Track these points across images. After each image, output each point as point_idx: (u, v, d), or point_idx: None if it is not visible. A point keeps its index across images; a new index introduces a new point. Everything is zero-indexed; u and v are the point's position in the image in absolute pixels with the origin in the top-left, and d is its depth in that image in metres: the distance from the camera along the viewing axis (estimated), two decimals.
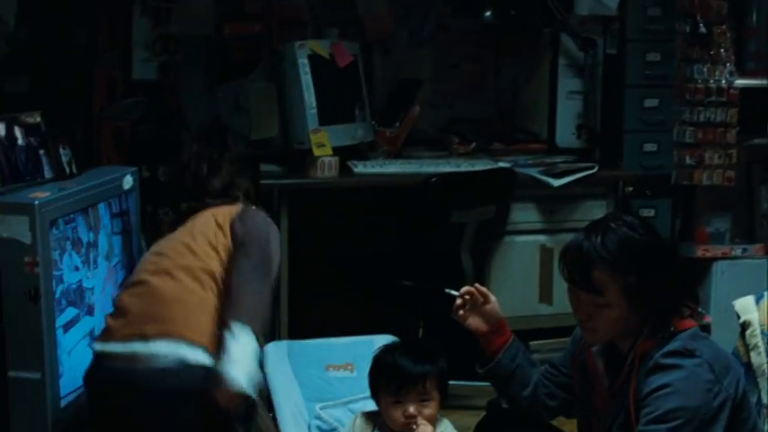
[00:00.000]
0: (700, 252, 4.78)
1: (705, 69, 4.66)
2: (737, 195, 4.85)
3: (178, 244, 2.72)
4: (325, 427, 2.94)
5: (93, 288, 2.90)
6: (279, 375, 3.06)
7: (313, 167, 4.17)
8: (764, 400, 2.77)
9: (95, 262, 2.95)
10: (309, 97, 4.17)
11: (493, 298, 2.82)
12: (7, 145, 2.86)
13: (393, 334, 3.19)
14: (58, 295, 2.76)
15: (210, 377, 2.48)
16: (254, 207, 2.95)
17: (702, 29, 4.62)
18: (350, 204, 4.47)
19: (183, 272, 2.63)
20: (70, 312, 2.82)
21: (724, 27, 4.67)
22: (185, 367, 2.52)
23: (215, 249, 2.71)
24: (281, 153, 4.26)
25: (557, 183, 4.35)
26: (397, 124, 4.59)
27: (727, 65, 4.67)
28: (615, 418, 2.53)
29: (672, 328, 2.47)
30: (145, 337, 2.52)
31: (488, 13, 4.79)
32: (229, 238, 2.75)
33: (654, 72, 4.68)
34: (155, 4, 4.24)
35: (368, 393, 2.81)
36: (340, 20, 4.59)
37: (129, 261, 3.15)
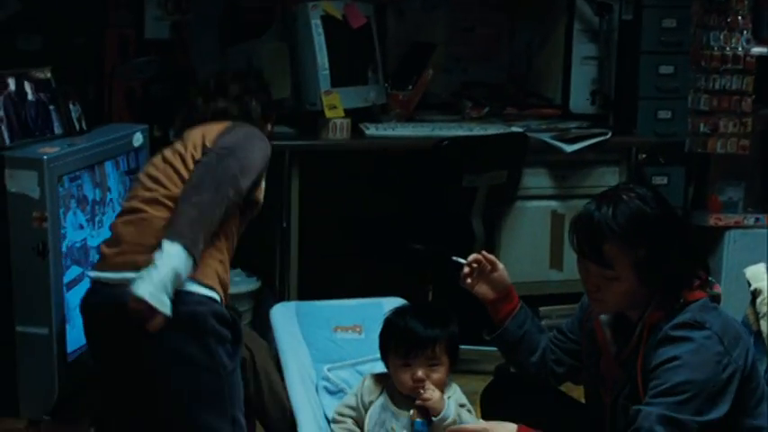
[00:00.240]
0: (712, 221, 4.77)
1: (721, 36, 4.62)
2: (751, 164, 4.82)
3: (170, 170, 2.66)
4: (332, 387, 2.94)
5: (98, 247, 2.88)
6: (287, 336, 3.05)
7: (325, 129, 4.16)
8: None
9: (101, 220, 2.94)
10: (322, 58, 4.15)
11: (501, 265, 2.81)
12: (17, 100, 2.85)
13: (402, 297, 3.18)
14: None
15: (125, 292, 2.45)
16: (248, 125, 2.83)
17: None
18: (361, 167, 4.47)
19: (173, 201, 2.59)
20: (74, 271, 2.81)
21: None
22: (176, 291, 2.47)
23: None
24: (292, 114, 4.25)
25: (569, 148, 4.33)
26: (410, 87, 4.58)
27: (744, 32, 4.64)
28: (622, 387, 2.52)
29: (681, 300, 2.46)
30: (137, 267, 2.48)
31: None
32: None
33: (669, 38, 4.65)
34: None
35: (376, 355, 2.81)
36: None
37: None
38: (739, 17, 4.62)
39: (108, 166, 2.99)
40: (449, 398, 2.66)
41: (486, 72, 5.01)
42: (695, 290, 2.49)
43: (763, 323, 2.90)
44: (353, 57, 4.35)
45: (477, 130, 4.34)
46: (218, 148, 2.62)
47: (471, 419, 2.63)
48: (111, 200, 2.99)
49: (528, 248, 4.44)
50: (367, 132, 4.27)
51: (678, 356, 2.37)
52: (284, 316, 3.15)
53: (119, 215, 2.68)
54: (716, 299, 2.51)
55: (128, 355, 2.56)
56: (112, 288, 2.52)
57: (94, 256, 2.87)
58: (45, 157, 2.64)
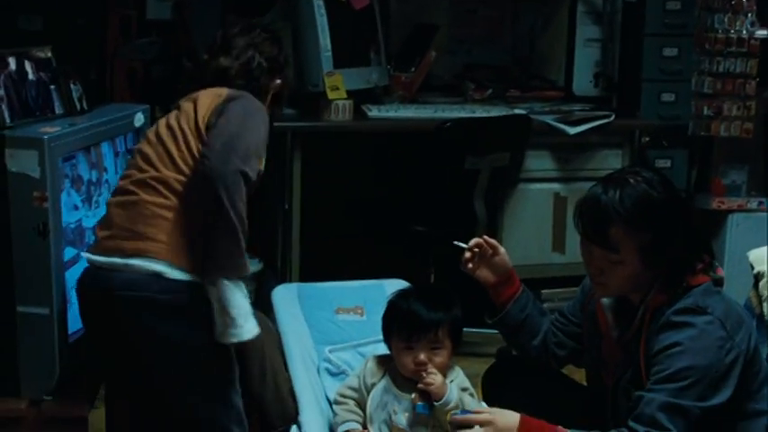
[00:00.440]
0: (715, 204, 4.75)
1: (726, 19, 4.59)
2: (755, 147, 4.80)
3: (161, 150, 2.62)
4: (333, 369, 2.93)
5: (94, 227, 2.86)
6: (288, 317, 3.05)
7: (327, 111, 4.15)
8: None
9: (97, 201, 2.91)
10: (324, 39, 4.14)
11: (502, 249, 2.80)
12: (17, 79, 2.83)
13: (404, 279, 3.17)
14: None
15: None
16: (242, 96, 2.71)
17: None
18: (363, 149, 4.46)
19: (164, 186, 2.57)
20: (69, 252, 2.79)
21: None
22: (160, 279, 2.49)
23: (192, 155, 2.59)
24: (294, 95, 4.22)
25: (572, 131, 4.32)
26: (413, 69, 4.57)
27: (749, 15, 4.61)
28: (624, 371, 2.52)
29: (684, 284, 2.45)
30: (123, 254, 2.50)
31: None
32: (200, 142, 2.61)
33: (673, 21, 4.64)
34: None
35: (377, 337, 2.80)
36: None
37: None
38: (744, 0, 4.60)
39: (104, 146, 2.96)
40: (451, 382, 2.65)
41: (490, 54, 5.00)
42: (698, 274, 2.48)
43: (765, 306, 2.90)
44: (356, 38, 4.34)
45: (480, 112, 4.33)
46: (217, 147, 2.52)
47: (474, 404, 2.62)
48: (106, 180, 2.97)
49: (530, 231, 4.44)
50: (369, 114, 4.26)
51: (680, 342, 2.36)
52: (286, 297, 3.14)
53: (113, 194, 2.67)
54: (719, 282, 2.50)
55: (117, 338, 2.56)
56: (103, 271, 2.53)
57: (90, 237, 2.86)
58: (46, 136, 2.62)
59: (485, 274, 2.80)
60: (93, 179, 2.90)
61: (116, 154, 3.03)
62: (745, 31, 4.60)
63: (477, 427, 2.41)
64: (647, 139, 4.62)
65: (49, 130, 2.68)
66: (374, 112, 4.28)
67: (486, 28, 5.01)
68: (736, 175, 4.81)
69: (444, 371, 2.65)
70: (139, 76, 4.24)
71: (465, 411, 2.49)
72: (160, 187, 2.57)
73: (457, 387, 2.62)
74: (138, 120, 3.12)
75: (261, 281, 4.21)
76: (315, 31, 4.13)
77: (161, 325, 2.50)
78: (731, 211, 4.76)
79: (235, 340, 2.55)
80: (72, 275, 2.74)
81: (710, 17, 4.60)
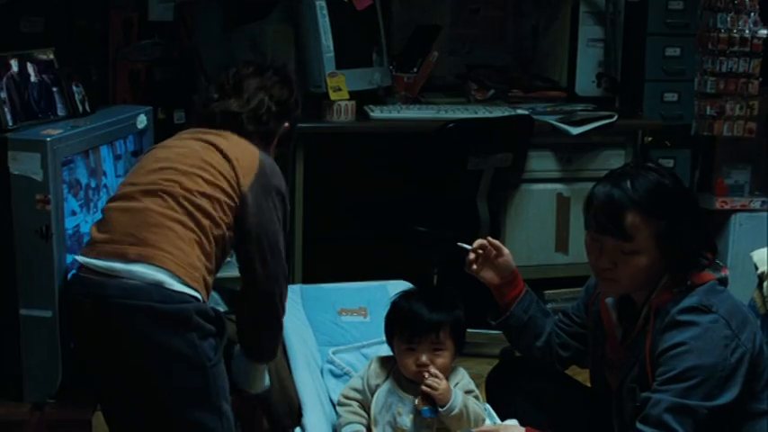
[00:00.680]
0: (718, 204, 4.75)
1: (729, 18, 4.58)
2: (758, 147, 4.80)
3: (186, 169, 2.60)
4: (337, 371, 2.93)
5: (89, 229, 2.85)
6: (292, 319, 3.04)
7: (329, 111, 4.15)
8: None
9: (96, 205, 2.89)
10: (327, 40, 4.14)
11: (506, 250, 2.80)
12: (20, 81, 2.82)
13: (407, 280, 3.17)
14: None
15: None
16: (269, 163, 2.74)
17: None
18: (366, 149, 4.46)
19: (173, 199, 2.55)
20: (67, 258, 2.76)
21: None
22: (160, 289, 2.47)
23: (220, 204, 2.61)
24: None
25: (575, 131, 4.32)
26: (415, 70, 4.57)
27: (752, 14, 4.60)
28: (629, 370, 2.51)
29: (689, 282, 2.44)
30: (126, 259, 2.47)
31: None
32: (234, 210, 2.63)
33: (676, 20, 4.64)
34: None
35: (381, 338, 2.80)
36: None
37: None
38: None
39: (103, 149, 2.93)
40: (456, 384, 2.65)
41: (492, 54, 5.00)
42: (703, 271, 2.48)
43: None
44: (358, 39, 4.33)
45: (483, 113, 4.33)
46: (266, 257, 2.70)
47: (478, 408, 2.61)
48: (105, 185, 2.94)
49: (533, 232, 4.43)
50: (372, 115, 4.26)
51: (685, 342, 2.36)
52: (289, 299, 3.10)
53: (115, 198, 2.63)
54: (723, 281, 2.50)
55: (111, 350, 2.52)
56: (97, 276, 2.49)
57: None
58: (48, 138, 2.61)
59: (489, 275, 2.80)
60: (92, 184, 2.87)
61: (116, 157, 3.00)
62: (747, 31, 4.59)
63: None
64: (650, 139, 4.62)
65: (51, 132, 2.67)
66: (376, 112, 4.27)
67: (488, 28, 5.00)
68: (739, 174, 4.81)
69: (447, 372, 2.64)
70: (142, 77, 4.22)
71: None
72: (172, 202, 2.55)
73: (461, 391, 2.61)
74: (141, 121, 3.11)
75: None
76: (317, 32, 4.12)
77: (158, 335, 2.47)
78: (734, 211, 4.76)
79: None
80: None
81: (713, 17, 4.59)
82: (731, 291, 2.52)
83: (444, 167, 4.07)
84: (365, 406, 2.70)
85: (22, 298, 2.64)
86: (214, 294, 2.97)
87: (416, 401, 2.59)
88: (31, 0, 3.94)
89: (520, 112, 4.39)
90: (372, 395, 2.68)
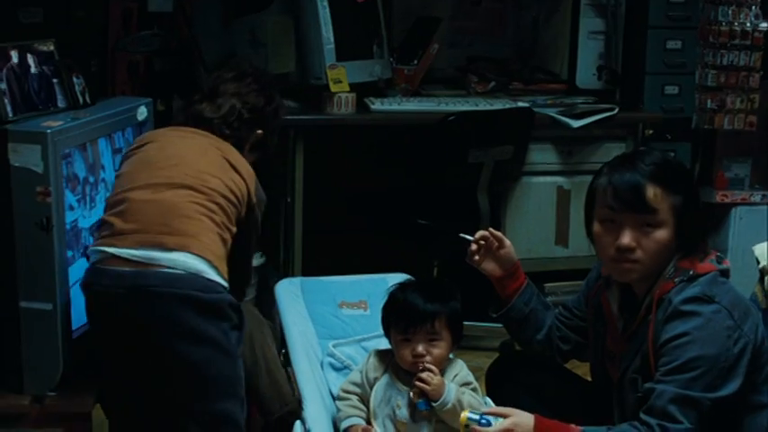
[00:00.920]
0: (718, 197, 4.75)
1: (730, 11, 4.58)
2: (758, 140, 4.79)
3: (201, 167, 2.67)
4: (337, 364, 2.92)
5: (90, 227, 2.83)
6: (292, 312, 3.04)
7: (330, 104, 4.14)
8: None
9: (93, 200, 2.87)
10: (327, 32, 4.12)
11: (507, 242, 2.80)
12: (20, 73, 2.81)
13: (407, 272, 3.16)
14: None
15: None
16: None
17: None
18: (366, 142, 4.45)
19: (200, 195, 2.60)
20: (67, 251, 2.75)
21: None
22: (199, 278, 2.50)
23: (234, 209, 2.69)
24: (297, 88, 4.23)
25: (576, 124, 4.31)
26: (415, 62, 4.56)
27: (753, 7, 4.59)
28: (631, 361, 2.51)
29: (691, 272, 2.44)
30: (165, 247, 2.49)
31: None
32: (244, 208, 2.72)
33: (677, 13, 4.62)
34: None
35: (381, 332, 2.79)
36: None
37: None
38: None
39: (101, 143, 2.91)
40: (455, 377, 2.64)
41: (492, 46, 4.98)
42: (705, 262, 2.48)
43: None
44: (359, 31, 4.32)
45: (483, 105, 4.32)
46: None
47: (475, 401, 2.61)
48: (103, 179, 2.92)
49: (533, 224, 4.43)
50: (372, 107, 4.25)
51: (687, 332, 2.36)
52: (289, 292, 3.13)
53: (135, 188, 2.62)
54: (725, 273, 2.50)
55: (146, 340, 2.53)
56: (132, 267, 2.49)
57: (87, 239, 2.81)
58: (49, 130, 2.60)
59: (490, 266, 2.81)
60: (90, 179, 2.85)
61: (114, 151, 2.98)
62: (748, 24, 4.59)
63: None
64: (651, 131, 4.61)
65: (52, 124, 2.66)
66: (377, 105, 4.26)
67: (488, 20, 4.99)
68: (740, 168, 4.81)
69: (443, 363, 2.64)
70: (141, 69, 4.21)
71: (482, 416, 2.46)
72: (195, 194, 2.59)
73: (456, 386, 2.61)
74: (141, 113, 3.11)
75: (263, 275, 4.21)
76: (317, 24, 4.11)
77: (200, 323, 2.50)
78: (734, 205, 4.76)
79: None
80: (72, 274, 2.73)
81: (714, 9, 4.58)
82: (732, 283, 2.52)
83: (445, 160, 4.07)
84: (364, 399, 2.70)
85: (22, 290, 2.63)
86: None
87: (411, 394, 2.59)
88: None
89: (520, 104, 4.37)
90: (371, 388, 2.69)
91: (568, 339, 2.83)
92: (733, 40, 4.58)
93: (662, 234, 2.45)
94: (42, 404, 2.67)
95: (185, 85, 3.87)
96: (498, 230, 2.84)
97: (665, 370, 2.36)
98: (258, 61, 4.00)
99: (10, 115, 2.70)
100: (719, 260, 2.51)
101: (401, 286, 2.74)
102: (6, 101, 2.71)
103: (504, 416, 2.45)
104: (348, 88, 4.15)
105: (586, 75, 4.68)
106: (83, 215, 2.81)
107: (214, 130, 2.82)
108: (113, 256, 2.52)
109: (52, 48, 2.95)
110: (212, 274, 2.53)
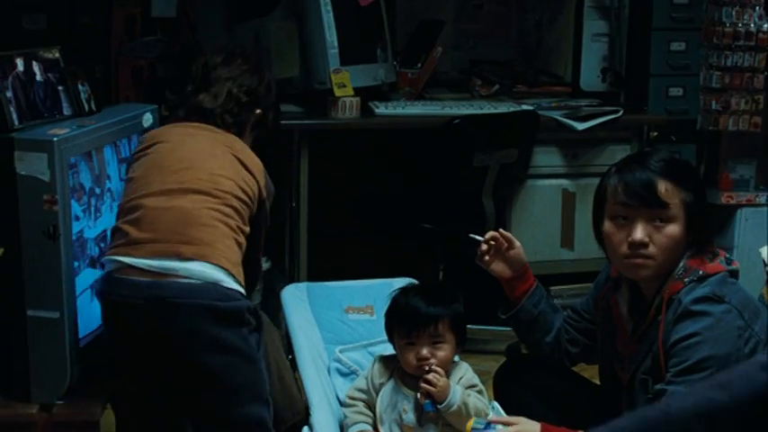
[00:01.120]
0: (723, 199, 4.74)
1: (734, 12, 4.57)
2: (763, 142, 4.78)
3: (214, 170, 2.65)
4: (344, 369, 2.92)
5: (96, 238, 2.81)
6: (298, 317, 3.04)
7: (334, 108, 4.13)
8: None
9: (99, 210, 2.84)
10: (331, 36, 4.12)
11: (517, 243, 2.81)
12: (25, 80, 2.80)
13: (413, 276, 3.16)
14: None
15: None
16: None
17: None
18: (371, 146, 4.45)
19: (215, 199, 2.59)
20: (74, 260, 2.72)
21: None
22: (218, 287, 2.50)
23: (247, 210, 2.68)
24: (301, 93, 4.22)
25: (581, 126, 4.31)
26: (419, 65, 4.55)
27: (757, 8, 4.58)
28: (641, 362, 2.51)
29: (701, 272, 2.45)
30: (182, 257, 2.48)
31: None
32: (255, 205, 2.71)
33: (681, 15, 4.63)
34: None
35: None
36: None
37: None
38: None
39: (107, 152, 2.89)
40: (460, 379, 2.65)
41: (496, 49, 4.99)
42: (715, 263, 2.48)
43: None
44: (363, 35, 4.31)
45: (488, 108, 4.32)
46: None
47: (480, 404, 2.61)
48: (109, 189, 2.89)
49: (539, 227, 4.42)
50: (376, 111, 4.24)
51: (697, 332, 2.36)
52: (295, 297, 3.13)
53: (149, 194, 2.61)
54: (734, 274, 2.51)
55: (167, 350, 2.53)
56: (150, 277, 2.49)
57: (93, 249, 2.80)
58: (55, 138, 2.59)
59: (500, 267, 2.81)
60: (96, 189, 2.83)
61: (120, 161, 2.95)
62: (752, 25, 4.57)
63: None
64: (655, 133, 4.59)
65: (58, 132, 2.64)
66: (381, 109, 4.26)
67: (491, 23, 4.99)
68: (745, 169, 4.80)
69: (448, 366, 2.64)
70: (145, 74, 4.21)
71: (488, 424, 2.46)
72: (210, 199, 2.58)
73: (461, 388, 2.61)
74: (147, 120, 3.09)
75: (269, 280, 4.20)
76: (321, 28, 4.11)
77: (218, 331, 2.50)
78: (740, 206, 4.75)
79: None
80: (78, 284, 2.72)
81: (718, 11, 4.57)
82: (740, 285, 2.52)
83: (450, 163, 4.06)
84: (370, 405, 2.70)
85: (29, 299, 2.62)
86: None
87: (418, 395, 2.60)
88: None
89: (525, 107, 4.37)
90: (377, 394, 2.69)
91: (577, 342, 2.82)
92: (737, 41, 4.56)
93: (673, 229, 2.46)
94: (50, 413, 2.66)
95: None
96: None
97: (676, 371, 2.36)
98: None
99: (16, 123, 2.69)
100: (728, 261, 2.52)
101: (403, 291, 2.74)
102: (12, 109, 2.70)
103: (511, 424, 2.46)
104: (352, 92, 4.14)
105: (590, 77, 4.68)
106: (88, 225, 2.79)
107: (216, 121, 2.80)
108: (129, 266, 2.52)
109: (57, 55, 2.94)
110: (230, 282, 2.52)
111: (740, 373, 1.74)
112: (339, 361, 2.93)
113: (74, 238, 2.69)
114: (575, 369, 2.93)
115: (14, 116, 2.70)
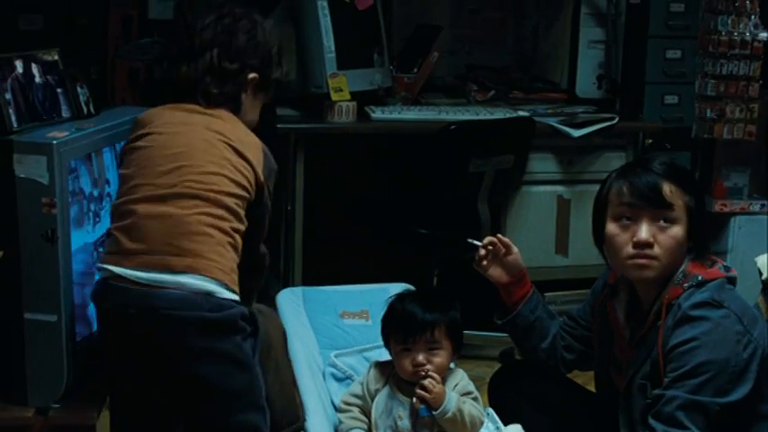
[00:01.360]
0: (717, 207, 4.75)
1: (729, 21, 4.58)
2: (757, 150, 4.80)
3: (203, 167, 2.54)
4: (339, 374, 2.92)
5: (94, 242, 2.80)
6: (293, 322, 3.04)
7: (330, 112, 4.14)
8: None
9: (98, 215, 2.83)
10: (328, 41, 4.12)
11: (515, 249, 2.82)
12: (24, 83, 2.78)
13: (408, 281, 3.16)
14: None
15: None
16: (263, 145, 2.67)
17: None
18: (367, 150, 4.45)
19: (206, 203, 2.51)
20: (72, 264, 2.70)
21: None
22: (210, 298, 2.46)
23: (242, 200, 2.58)
24: (298, 97, 4.23)
25: (576, 133, 4.32)
26: (415, 70, 4.56)
27: (752, 17, 4.60)
28: (639, 367, 2.52)
29: (700, 278, 2.46)
30: (173, 271, 2.44)
31: None
32: (249, 203, 2.62)
33: (677, 23, 4.64)
34: None
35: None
36: None
37: None
38: (747, 2, 4.58)
39: (107, 157, 2.86)
40: (455, 386, 2.65)
41: (492, 55, 4.99)
42: (713, 268, 2.49)
43: None
44: (360, 39, 4.32)
45: (484, 114, 4.32)
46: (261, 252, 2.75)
47: (475, 410, 2.62)
48: (108, 194, 2.85)
49: (534, 234, 4.43)
50: (373, 116, 4.25)
51: (695, 337, 2.37)
52: (291, 301, 3.13)
53: (140, 199, 2.53)
54: (732, 281, 2.52)
55: (159, 359, 2.50)
56: (142, 287, 2.45)
57: (93, 254, 2.79)
58: (54, 141, 2.57)
59: (497, 273, 2.82)
60: (95, 193, 2.81)
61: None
62: (748, 34, 4.59)
63: None
64: (651, 141, 4.61)
65: (57, 134, 2.63)
66: (377, 113, 4.26)
67: (488, 29, 4.99)
68: (739, 177, 4.81)
69: (444, 372, 2.65)
70: (141, 76, 4.21)
71: None
72: (201, 203, 2.51)
73: (457, 394, 2.61)
74: None
75: (264, 283, 4.20)
76: (318, 33, 4.11)
77: (209, 342, 2.47)
78: (733, 214, 4.76)
79: None
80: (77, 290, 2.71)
81: (714, 19, 4.59)
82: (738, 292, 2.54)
83: (446, 169, 4.07)
84: (366, 411, 2.70)
85: (27, 302, 2.61)
86: None
87: (414, 400, 2.60)
88: None
89: (521, 113, 4.38)
90: (372, 400, 2.69)
91: (573, 349, 2.83)
92: (732, 49, 4.58)
93: (677, 231, 2.47)
94: (46, 416, 2.65)
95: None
96: None
97: (674, 376, 2.37)
98: None
99: (15, 126, 2.68)
100: (727, 269, 2.53)
101: (399, 297, 2.75)
102: (11, 111, 2.69)
103: None
104: (349, 97, 4.15)
105: (586, 84, 4.68)
106: (87, 230, 2.78)
107: (208, 99, 2.63)
108: (120, 275, 2.48)
109: (56, 57, 2.93)
110: (223, 293, 2.48)
111: None
112: (334, 366, 2.93)
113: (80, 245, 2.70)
114: (568, 375, 2.93)
115: (13, 118, 2.69)
